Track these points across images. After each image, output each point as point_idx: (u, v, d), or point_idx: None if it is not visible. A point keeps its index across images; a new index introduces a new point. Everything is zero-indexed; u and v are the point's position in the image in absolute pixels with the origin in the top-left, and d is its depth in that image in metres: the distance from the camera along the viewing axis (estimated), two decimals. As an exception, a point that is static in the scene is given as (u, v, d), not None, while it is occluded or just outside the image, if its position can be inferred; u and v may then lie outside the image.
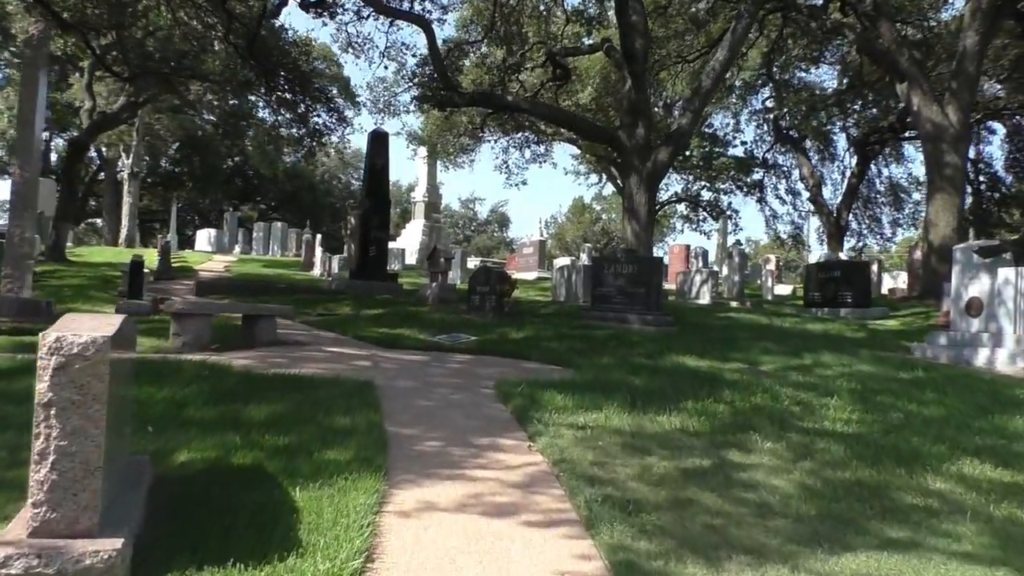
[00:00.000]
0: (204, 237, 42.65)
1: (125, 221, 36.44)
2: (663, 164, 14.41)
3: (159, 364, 6.64)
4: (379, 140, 18.56)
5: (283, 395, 5.61)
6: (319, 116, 19.83)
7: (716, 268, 24.47)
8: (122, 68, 17.74)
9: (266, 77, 17.12)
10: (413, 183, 43.21)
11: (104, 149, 44.27)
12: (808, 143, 34.26)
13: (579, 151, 34.18)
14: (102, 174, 45.85)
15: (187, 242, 45.86)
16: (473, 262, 35.69)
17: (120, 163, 39.03)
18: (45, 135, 38.01)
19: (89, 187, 52.23)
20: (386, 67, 65.30)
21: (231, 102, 22.57)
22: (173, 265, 27.77)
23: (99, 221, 52.24)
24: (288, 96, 18.59)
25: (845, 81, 29.66)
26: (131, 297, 11.87)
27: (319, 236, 27.92)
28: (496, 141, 24.45)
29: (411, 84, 18.16)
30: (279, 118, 21.83)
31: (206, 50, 17.87)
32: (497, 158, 24.71)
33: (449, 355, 9.37)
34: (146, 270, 14.11)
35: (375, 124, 23.64)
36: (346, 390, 5.92)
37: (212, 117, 28.11)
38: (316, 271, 26.98)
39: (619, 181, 37.98)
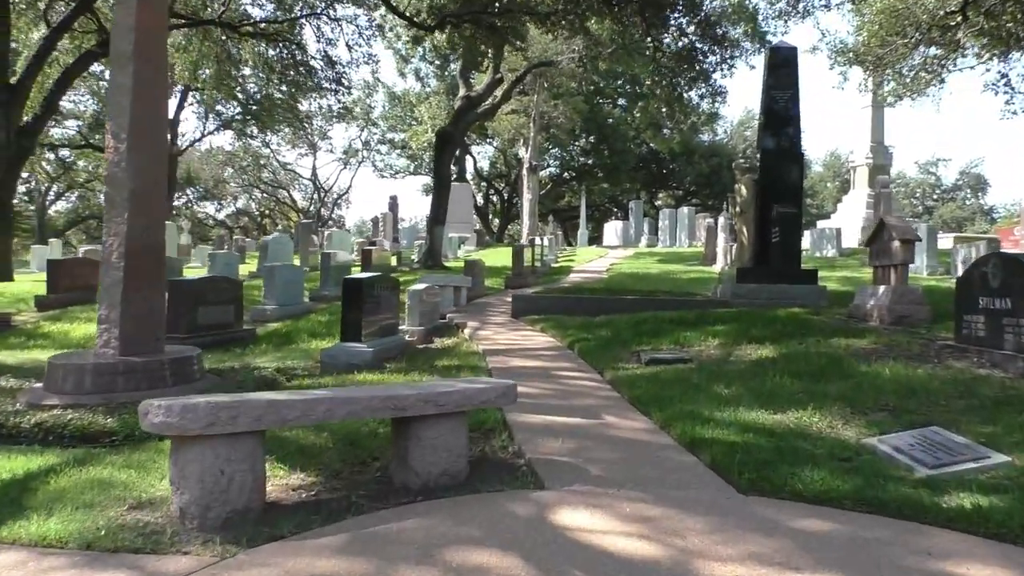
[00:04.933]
0: (611, 230, 39.52)
1: (525, 218, 34.57)
2: None
3: None
4: (781, 61, 11.93)
5: None
6: (687, 36, 13.79)
7: None
8: (425, 17, 14.11)
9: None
10: (850, 153, 33.93)
11: (513, 147, 43.85)
12: None
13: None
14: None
15: (598, 237, 43.27)
16: (943, 240, 26.09)
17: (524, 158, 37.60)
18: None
19: (514, 187, 53.18)
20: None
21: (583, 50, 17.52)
22: (554, 266, 24.31)
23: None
24: (641, 17, 12.94)
25: None
26: (347, 336, 7.39)
27: (721, 220, 21.84)
28: (980, 52, 15.48)
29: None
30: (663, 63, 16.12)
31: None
32: (987, 71, 15.55)
33: (935, 562, 2.87)
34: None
35: (774, 36, 16.64)
36: None
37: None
38: (718, 264, 21.07)
39: None
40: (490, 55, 19.26)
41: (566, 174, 52.06)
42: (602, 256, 27.15)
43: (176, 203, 53.58)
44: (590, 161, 48.80)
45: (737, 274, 11.51)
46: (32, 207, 50.19)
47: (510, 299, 13.22)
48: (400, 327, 9.14)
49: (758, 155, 12.84)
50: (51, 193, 50.70)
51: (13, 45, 19.59)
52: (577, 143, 47.71)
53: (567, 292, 13.25)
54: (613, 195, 54.46)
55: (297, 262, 21.50)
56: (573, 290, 13.84)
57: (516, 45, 17.12)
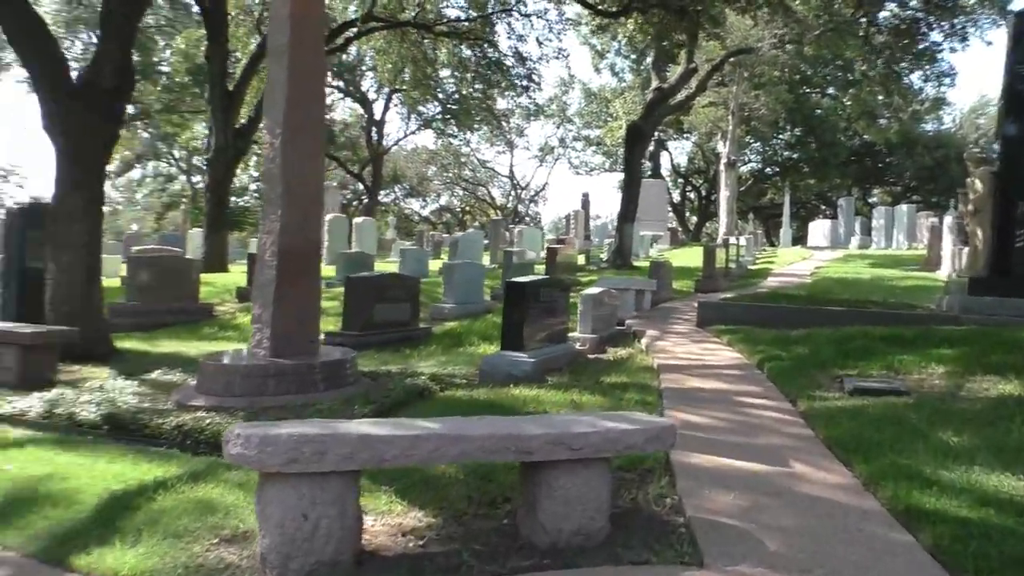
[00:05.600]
0: (818, 230, 36.60)
1: (722, 216, 32.79)
2: None
3: None
4: (1032, 30, 10.00)
5: None
6: (907, 7, 11.87)
7: None
8: (609, 5, 13.23)
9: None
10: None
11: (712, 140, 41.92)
12: None
13: None
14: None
15: (803, 237, 40.29)
16: None
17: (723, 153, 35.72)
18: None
19: (712, 183, 50.97)
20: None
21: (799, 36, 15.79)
22: (751, 268, 22.67)
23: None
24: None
25: None
26: (508, 343, 6.84)
27: (948, 220, 19.21)
28: None
29: None
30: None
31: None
32: None
33: None
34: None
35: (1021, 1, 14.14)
36: None
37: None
38: (943, 271, 18.56)
39: None
40: (684, 42, 18.18)
41: (768, 169, 49.08)
42: (806, 258, 25.04)
43: (384, 199, 56.69)
44: (795, 155, 45.58)
45: (969, 284, 9.78)
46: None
47: (691, 304, 12.28)
48: (572, 334, 8.55)
49: (996, 144, 10.99)
50: (276, 190, 55.35)
51: (236, 54, 21.23)
52: (781, 136, 44.74)
53: (761, 299, 12.02)
54: (820, 191, 50.56)
55: (487, 259, 21.61)
56: (768, 297, 12.55)
57: (710, 31, 15.89)
